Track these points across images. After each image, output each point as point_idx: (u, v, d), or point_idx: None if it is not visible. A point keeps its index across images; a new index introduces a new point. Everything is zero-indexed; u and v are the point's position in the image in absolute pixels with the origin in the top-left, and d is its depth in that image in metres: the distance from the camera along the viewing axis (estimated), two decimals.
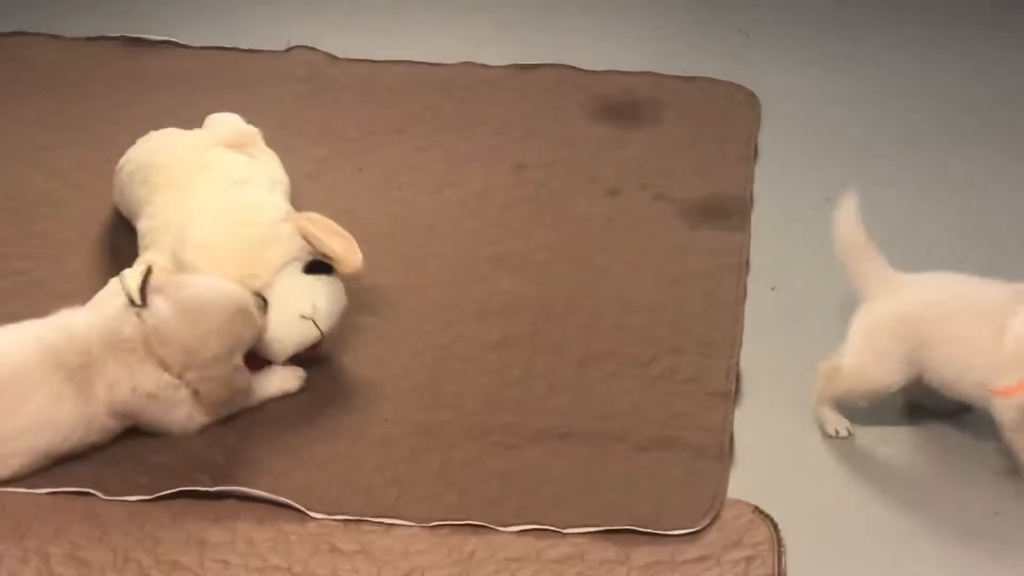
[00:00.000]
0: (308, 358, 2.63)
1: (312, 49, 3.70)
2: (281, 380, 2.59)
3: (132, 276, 2.47)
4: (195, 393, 2.46)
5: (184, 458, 2.45)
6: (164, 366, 2.43)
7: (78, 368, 2.40)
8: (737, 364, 2.70)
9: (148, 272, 2.46)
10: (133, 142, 3.01)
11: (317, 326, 2.59)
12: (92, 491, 2.39)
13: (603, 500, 2.40)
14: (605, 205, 3.15)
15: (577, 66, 3.65)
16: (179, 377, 2.44)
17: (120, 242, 2.96)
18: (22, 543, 2.29)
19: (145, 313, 2.43)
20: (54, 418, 2.40)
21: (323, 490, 2.40)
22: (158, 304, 2.44)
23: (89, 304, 2.55)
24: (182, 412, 2.47)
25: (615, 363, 2.71)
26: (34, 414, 2.39)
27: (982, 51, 3.79)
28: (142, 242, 2.77)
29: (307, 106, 3.46)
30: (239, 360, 2.50)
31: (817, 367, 2.58)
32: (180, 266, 2.60)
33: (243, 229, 2.62)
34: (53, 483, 2.40)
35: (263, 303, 2.53)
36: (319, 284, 2.60)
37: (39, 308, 2.73)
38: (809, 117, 3.49)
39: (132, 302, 2.44)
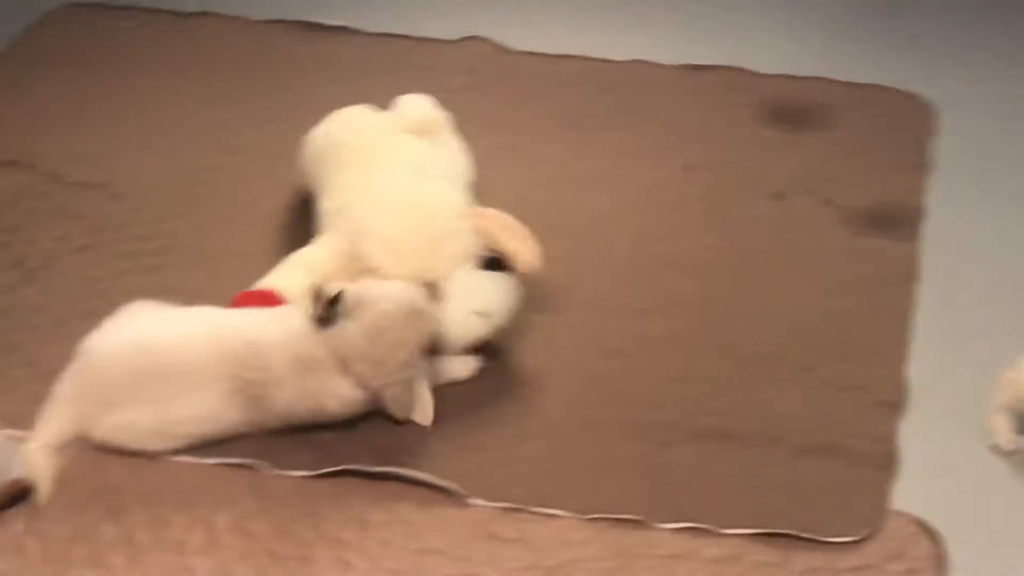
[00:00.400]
0: (476, 350, 2.64)
1: (485, 40, 3.72)
2: (453, 368, 2.61)
3: (321, 294, 2.48)
4: (380, 398, 2.48)
5: (348, 437, 2.48)
6: (358, 382, 2.45)
7: (253, 383, 2.44)
8: (905, 373, 2.67)
9: (339, 295, 2.46)
10: (307, 124, 3.04)
11: (490, 323, 2.60)
12: (258, 464, 2.43)
13: (762, 503, 2.38)
14: (772, 209, 3.13)
15: (748, 68, 3.63)
16: (366, 388, 2.47)
17: (292, 222, 3.00)
18: (189, 511, 2.34)
19: (332, 333, 2.45)
20: (219, 417, 2.45)
21: (484, 477, 2.42)
22: (341, 322, 2.46)
23: (268, 314, 2.54)
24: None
25: (778, 367, 2.69)
26: (200, 408, 2.43)
27: None
28: (321, 222, 2.79)
29: (478, 97, 3.48)
30: (419, 361, 2.51)
31: (995, 377, 2.54)
32: (356, 254, 2.61)
33: (423, 223, 2.62)
34: (220, 454, 2.44)
35: (436, 295, 2.54)
36: (494, 281, 2.61)
37: (209, 282, 2.81)
38: (988, 127, 3.43)
39: (317, 321, 2.46)
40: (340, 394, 2.46)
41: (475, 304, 2.58)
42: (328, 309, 2.45)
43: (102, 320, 2.59)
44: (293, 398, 2.44)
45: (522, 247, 2.62)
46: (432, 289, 2.54)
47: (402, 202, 2.67)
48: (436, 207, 2.66)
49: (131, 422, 2.42)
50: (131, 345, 2.45)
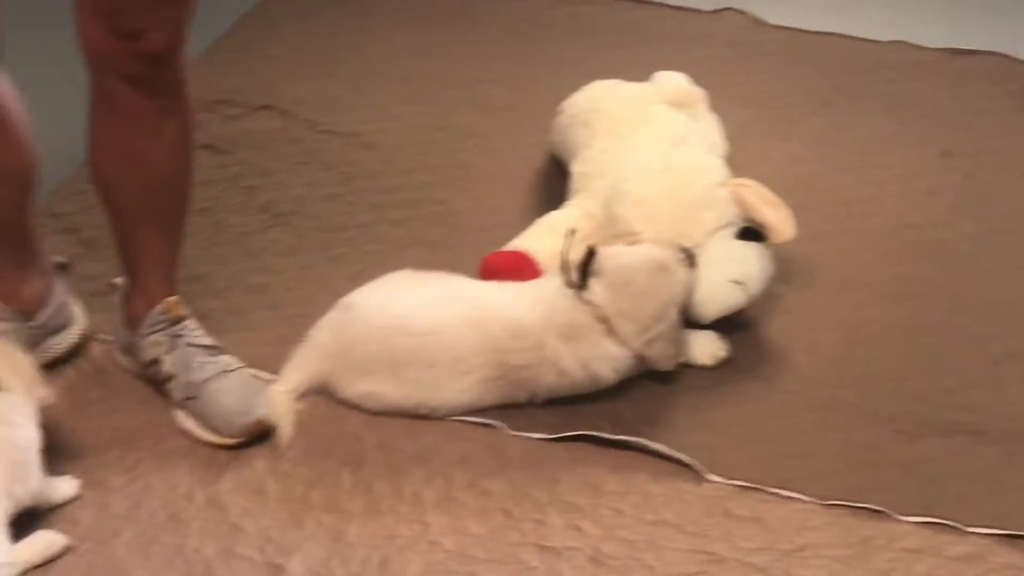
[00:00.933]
0: (729, 321, 2.61)
1: (743, 12, 3.67)
2: (700, 351, 2.57)
3: (573, 258, 2.47)
4: (644, 357, 2.47)
5: (589, 404, 2.47)
6: (622, 341, 2.44)
7: (520, 367, 2.43)
8: None
9: (590, 254, 2.45)
10: (562, 87, 3.04)
11: (746, 292, 2.57)
12: (498, 424, 2.43)
13: (1012, 503, 2.31)
14: None
15: (1014, 55, 3.52)
16: (629, 346, 2.45)
17: (542, 182, 3.01)
18: (427, 465, 2.35)
19: (587, 295, 2.44)
20: (476, 402, 2.44)
21: (722, 453, 2.38)
22: (591, 284, 2.45)
23: (519, 290, 2.52)
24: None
25: None
26: (459, 396, 2.43)
27: None
28: (574, 185, 2.80)
29: (733, 69, 3.44)
30: (676, 315, 2.49)
31: None
32: (612, 218, 2.61)
33: (681, 189, 2.61)
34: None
35: (690, 259, 2.52)
36: (750, 251, 2.58)
37: (457, 239, 2.82)
38: None
39: (573, 284, 2.45)
40: (610, 356, 2.44)
41: (731, 272, 2.56)
42: (580, 272, 2.44)
43: (350, 268, 2.61)
44: (562, 373, 2.43)
45: (778, 218, 2.59)
46: (687, 253, 2.52)
47: (659, 167, 2.65)
48: (693, 174, 2.64)
49: (382, 395, 2.43)
50: (395, 321, 2.44)
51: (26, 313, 2.45)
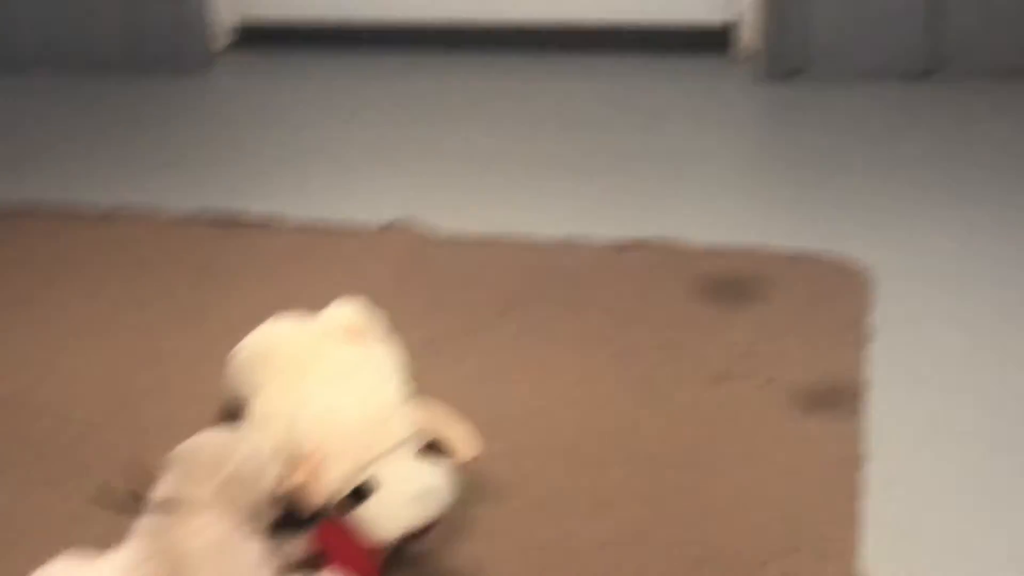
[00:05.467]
0: (413, 545, 2.55)
1: (411, 226, 3.66)
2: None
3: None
4: None
5: None
6: None
7: None
8: (856, 566, 2.57)
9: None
10: (233, 323, 2.96)
11: (428, 511, 2.52)
12: None
13: None
14: (714, 392, 3.05)
15: (681, 243, 3.58)
16: None
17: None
18: None
19: None
20: None
21: None
22: None
23: None
24: None
25: (728, 564, 2.59)
26: None
27: None
28: (252, 429, 2.71)
29: (407, 286, 3.42)
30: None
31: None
32: (288, 450, 2.56)
33: (360, 408, 2.59)
34: None
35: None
36: (432, 469, 2.54)
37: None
38: (925, 293, 3.38)
39: None
40: None
41: (411, 489, 2.51)
42: None
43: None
44: None
45: (460, 436, 2.59)
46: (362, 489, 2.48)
47: (338, 391, 2.64)
48: (373, 394, 2.63)
49: None
50: None
51: None
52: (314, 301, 3.01)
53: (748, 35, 4.82)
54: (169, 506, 2.37)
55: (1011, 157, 4.07)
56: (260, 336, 2.92)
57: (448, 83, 4.75)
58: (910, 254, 3.55)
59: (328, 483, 2.50)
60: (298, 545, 2.52)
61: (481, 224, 3.68)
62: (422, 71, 4.85)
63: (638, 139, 4.24)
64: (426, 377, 2.97)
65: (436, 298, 3.38)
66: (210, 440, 2.48)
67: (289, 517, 2.50)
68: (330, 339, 2.85)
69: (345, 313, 2.98)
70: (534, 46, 4.97)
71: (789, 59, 4.64)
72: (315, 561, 2.48)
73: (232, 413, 2.87)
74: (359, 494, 2.49)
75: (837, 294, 3.38)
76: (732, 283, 3.43)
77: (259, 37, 5.21)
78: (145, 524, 2.38)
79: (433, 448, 2.57)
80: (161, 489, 2.40)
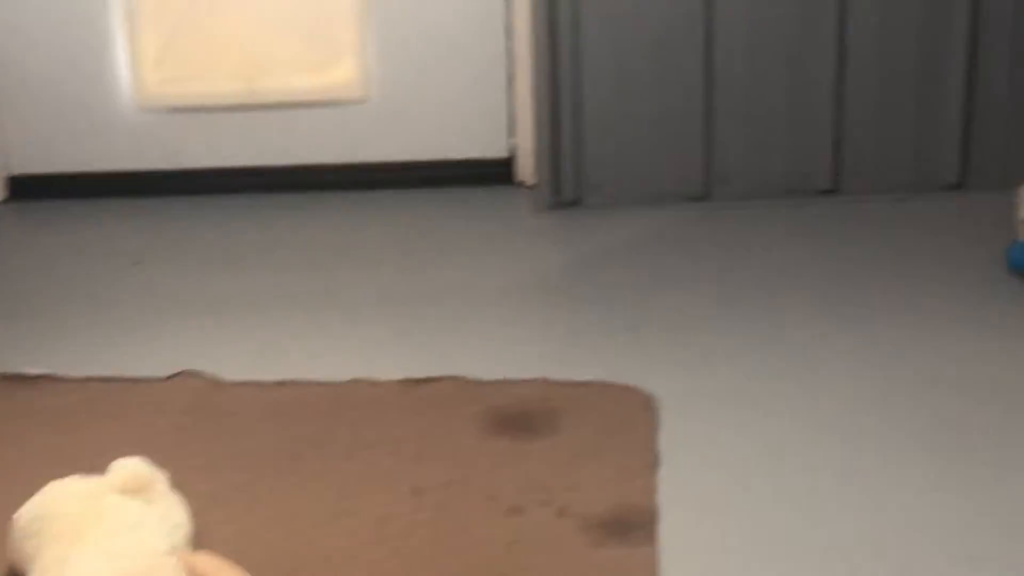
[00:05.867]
0: None
1: (197, 374, 3.62)
2: None
3: None
4: None
5: None
6: None
7: None
8: None
9: None
10: (14, 485, 2.88)
11: None
12: None
13: None
14: (508, 526, 3.05)
15: (469, 377, 3.60)
16: None
17: None
18: None
19: None
20: None
21: None
22: None
23: None
24: None
25: None
26: None
27: (887, 331, 3.80)
28: None
29: (193, 436, 3.36)
30: None
31: None
32: None
33: (122, 563, 2.54)
34: None
35: None
36: None
37: None
38: (708, 416, 3.44)
39: None
40: None
41: None
42: None
43: None
44: None
45: None
46: None
47: (103, 549, 2.58)
48: (137, 548, 2.59)
49: None
50: None
51: None
52: (100, 458, 2.94)
53: (527, 168, 4.90)
54: None
55: (783, 276, 4.19)
56: (40, 500, 2.83)
57: (233, 227, 4.73)
58: (693, 378, 3.61)
59: None
60: None
61: (270, 370, 3.66)
62: (204, 216, 4.83)
63: (426, 274, 4.27)
64: (214, 529, 2.92)
65: (224, 447, 3.33)
66: None
67: None
68: (110, 495, 2.79)
69: (128, 469, 2.92)
70: (323, 186, 4.99)
71: (567, 189, 4.73)
72: None
73: None
74: None
75: (625, 422, 3.41)
76: (523, 416, 3.44)
77: (31, 190, 5.14)
78: None
79: None
80: None
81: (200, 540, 2.76)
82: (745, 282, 4.16)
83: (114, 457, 2.95)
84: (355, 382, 3.60)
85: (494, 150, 4.97)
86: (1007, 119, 4.75)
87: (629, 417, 3.43)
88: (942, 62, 4.71)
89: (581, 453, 3.29)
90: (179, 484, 2.96)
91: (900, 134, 4.76)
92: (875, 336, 3.80)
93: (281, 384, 3.60)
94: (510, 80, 4.87)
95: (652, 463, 3.25)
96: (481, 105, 4.92)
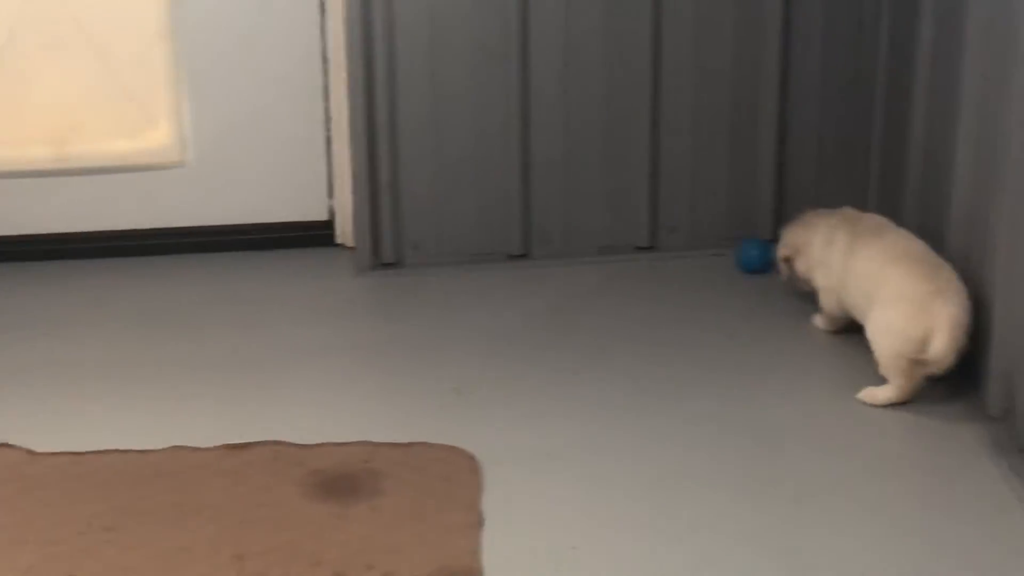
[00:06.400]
0: None
1: (10, 445, 3.53)
2: None
3: None
4: None
5: None
6: None
7: None
8: None
9: None
10: None
11: None
12: None
13: None
14: None
15: (290, 441, 3.57)
16: None
17: None
18: None
19: None
20: None
21: None
22: None
23: None
24: None
25: None
26: None
27: (704, 389, 3.87)
28: None
29: (7, 510, 3.28)
30: None
31: None
32: None
33: None
34: None
35: None
36: None
37: None
38: (532, 475, 3.45)
39: None
40: None
41: None
42: None
43: None
44: None
45: None
46: None
47: None
48: None
49: None
50: None
51: None
52: None
53: (347, 230, 4.89)
54: None
55: (604, 332, 4.23)
56: None
57: (46, 293, 4.63)
58: (516, 437, 3.62)
59: None
60: None
61: (83, 440, 3.58)
62: (19, 284, 4.72)
63: (245, 338, 4.23)
64: None
65: (40, 519, 3.26)
66: None
67: None
68: None
69: None
70: (140, 251, 4.91)
71: (386, 250, 4.73)
72: None
73: None
74: None
75: (448, 482, 3.41)
76: (346, 478, 3.42)
77: None
78: None
79: None
80: None
81: None
82: (566, 340, 4.19)
83: None
84: (175, 449, 3.55)
85: (314, 212, 4.95)
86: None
87: (452, 477, 3.43)
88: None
89: (405, 515, 3.28)
90: None
91: (715, 189, 4.85)
92: (691, 393, 3.86)
93: (98, 453, 3.53)
94: (328, 142, 4.86)
95: (476, 523, 3.25)
96: (300, 167, 4.90)
